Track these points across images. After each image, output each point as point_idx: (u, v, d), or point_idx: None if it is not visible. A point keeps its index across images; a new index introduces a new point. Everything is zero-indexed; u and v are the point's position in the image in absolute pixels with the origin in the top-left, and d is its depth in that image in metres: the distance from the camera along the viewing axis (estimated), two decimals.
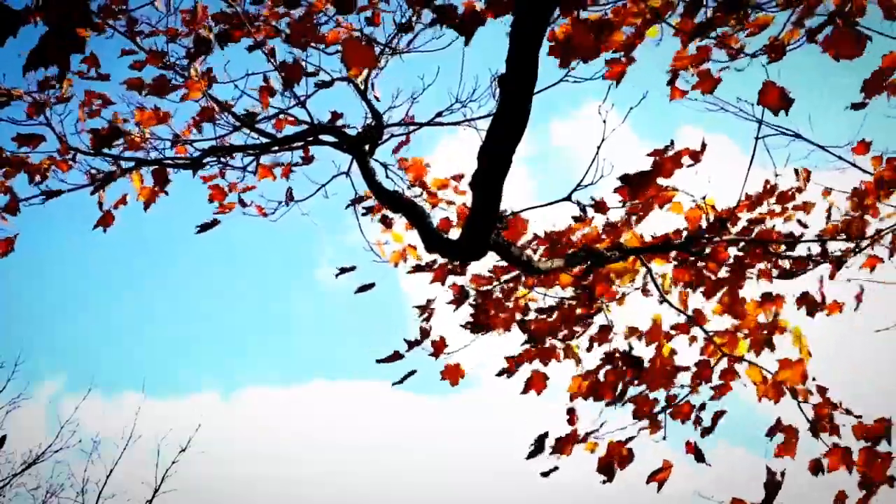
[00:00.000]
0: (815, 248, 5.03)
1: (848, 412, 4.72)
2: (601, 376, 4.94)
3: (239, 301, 30.30)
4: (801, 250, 5.05)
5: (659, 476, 4.75)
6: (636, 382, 4.93)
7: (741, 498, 4.25)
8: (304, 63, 4.46)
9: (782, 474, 3.79)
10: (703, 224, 4.88)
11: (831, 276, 5.04)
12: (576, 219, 4.80)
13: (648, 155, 4.41)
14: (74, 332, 25.79)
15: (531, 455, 4.82)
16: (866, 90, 3.60)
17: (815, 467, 4.70)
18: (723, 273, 4.98)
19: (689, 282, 4.96)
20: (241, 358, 28.35)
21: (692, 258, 4.90)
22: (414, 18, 4.63)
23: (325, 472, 22.80)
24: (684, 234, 4.86)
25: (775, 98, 3.75)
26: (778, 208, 5.09)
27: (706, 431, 4.88)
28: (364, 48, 3.79)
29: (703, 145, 4.48)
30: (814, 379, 4.79)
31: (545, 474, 4.84)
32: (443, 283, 5.21)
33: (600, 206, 4.73)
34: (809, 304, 5.03)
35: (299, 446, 25.36)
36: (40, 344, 22.82)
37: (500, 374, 5.09)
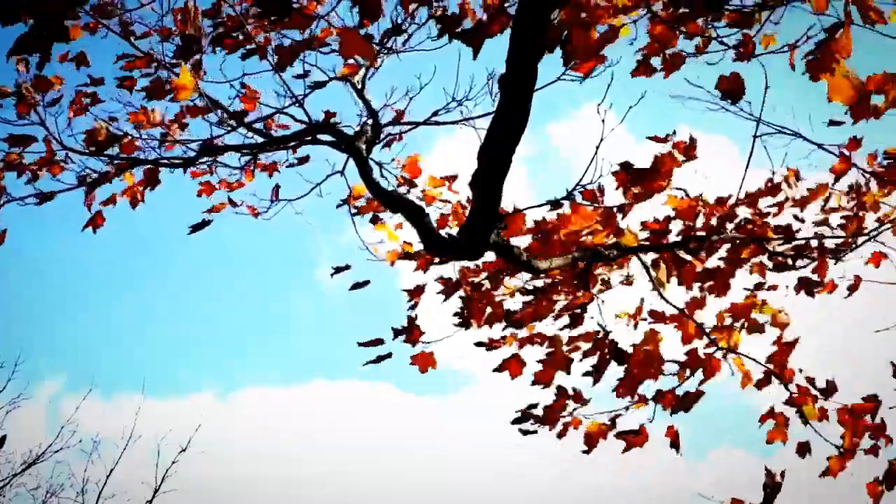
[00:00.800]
0: (812, 242, 5.05)
1: (821, 390, 4.77)
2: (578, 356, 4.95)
3: (238, 301, 30.31)
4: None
5: (637, 439, 4.80)
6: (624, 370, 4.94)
7: (741, 498, 4.28)
8: (302, 58, 4.39)
9: (782, 475, 3.80)
10: (699, 222, 4.90)
11: (820, 270, 5.06)
12: (553, 204, 4.76)
13: (648, 138, 4.42)
14: (74, 332, 25.76)
15: (517, 421, 4.84)
16: (854, 115, 3.65)
17: (802, 449, 4.78)
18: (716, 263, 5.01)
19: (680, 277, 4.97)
20: (240, 358, 28.37)
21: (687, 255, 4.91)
22: (406, 21, 4.59)
23: (325, 472, 22.84)
24: (673, 224, 4.87)
25: (730, 87, 3.85)
26: (775, 208, 5.12)
27: (682, 408, 4.89)
28: (362, 40, 3.75)
29: (693, 140, 4.48)
30: (801, 370, 4.84)
31: (524, 433, 4.87)
32: (425, 272, 5.19)
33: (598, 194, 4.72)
34: (808, 285, 5.06)
35: (299, 446, 25.42)
36: (40, 344, 22.76)
37: (478, 344, 5.07)
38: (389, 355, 5.00)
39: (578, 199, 4.47)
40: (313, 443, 25.79)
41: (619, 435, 4.82)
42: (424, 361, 5.14)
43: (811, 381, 4.83)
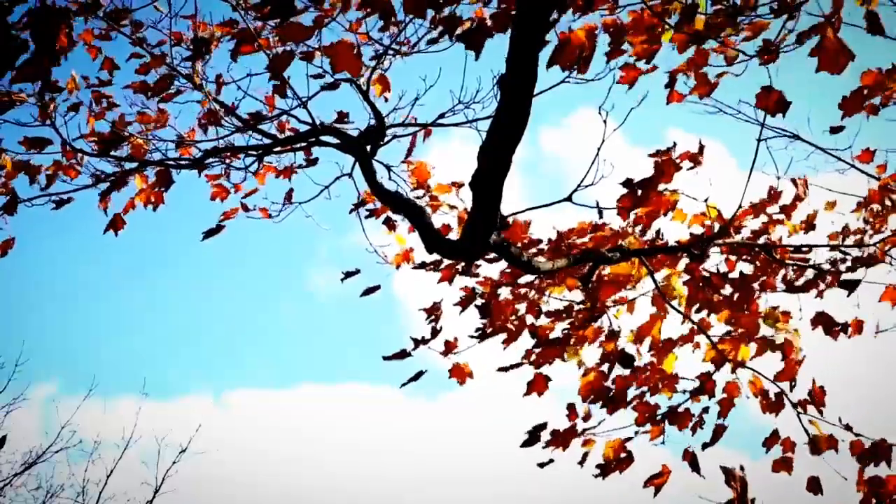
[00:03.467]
0: (824, 263, 4.98)
1: (847, 428, 4.65)
2: (610, 383, 4.91)
3: (236, 303, 30.36)
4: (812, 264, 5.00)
5: (657, 481, 4.72)
6: (634, 384, 4.91)
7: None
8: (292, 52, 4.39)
9: (742, 468, 3.75)
10: (707, 228, 4.88)
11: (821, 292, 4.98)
12: (599, 216, 4.76)
13: (650, 156, 4.41)
14: (69, 334, 25.86)
15: (525, 444, 4.81)
16: (845, 109, 3.61)
17: (814, 486, 4.62)
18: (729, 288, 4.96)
19: (703, 300, 4.92)
20: (239, 360, 28.46)
21: (698, 267, 4.89)
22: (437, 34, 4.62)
23: (325, 473, 22.92)
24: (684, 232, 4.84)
25: (773, 102, 3.80)
26: (782, 217, 5.08)
27: (706, 445, 4.84)
28: (352, 55, 3.80)
29: (701, 147, 4.47)
30: (811, 394, 4.77)
31: (542, 465, 4.84)
32: (450, 283, 5.19)
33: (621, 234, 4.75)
34: (826, 323, 4.94)
35: (299, 447, 25.41)
36: (33, 346, 22.91)
37: (501, 369, 5.04)
38: (423, 373, 5.00)
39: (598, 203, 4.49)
40: (313, 444, 25.88)
41: (647, 483, 4.74)
42: (462, 373, 5.16)
43: (821, 399, 4.75)
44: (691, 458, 4.77)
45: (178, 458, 13.90)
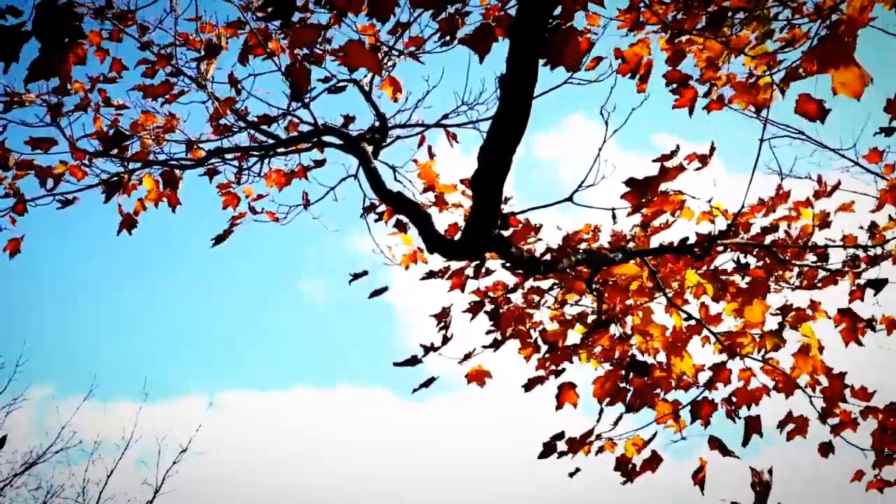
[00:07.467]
0: (838, 263, 4.94)
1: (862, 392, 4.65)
2: (625, 384, 4.86)
3: (235, 303, 30.60)
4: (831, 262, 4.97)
5: (700, 476, 4.64)
6: (648, 385, 4.87)
7: (731, 499, 4.18)
8: (309, 68, 4.42)
9: (770, 472, 3.70)
10: (714, 228, 4.84)
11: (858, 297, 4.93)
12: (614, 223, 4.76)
13: (654, 160, 4.38)
14: (68, 334, 26.04)
15: (542, 455, 4.76)
16: (892, 111, 3.53)
17: (825, 449, 4.75)
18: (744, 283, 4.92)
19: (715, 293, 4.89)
20: (238, 360, 28.69)
21: (703, 263, 4.86)
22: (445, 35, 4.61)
23: (325, 472, 23.05)
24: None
25: (813, 110, 3.73)
26: (794, 215, 5.04)
27: (746, 441, 4.78)
28: (367, 52, 3.79)
29: (713, 148, 4.44)
30: (831, 370, 4.72)
31: (571, 475, 4.77)
32: (462, 291, 5.18)
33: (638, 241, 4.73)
34: (851, 320, 4.82)
35: (298, 447, 25.58)
36: (33, 346, 23.10)
37: (526, 388, 4.99)
38: (434, 379, 5.00)
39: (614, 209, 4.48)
40: (312, 444, 26.08)
41: (694, 480, 4.65)
42: (479, 377, 5.15)
43: (841, 378, 4.69)
44: (718, 444, 4.72)
45: (178, 459, 14.01)
